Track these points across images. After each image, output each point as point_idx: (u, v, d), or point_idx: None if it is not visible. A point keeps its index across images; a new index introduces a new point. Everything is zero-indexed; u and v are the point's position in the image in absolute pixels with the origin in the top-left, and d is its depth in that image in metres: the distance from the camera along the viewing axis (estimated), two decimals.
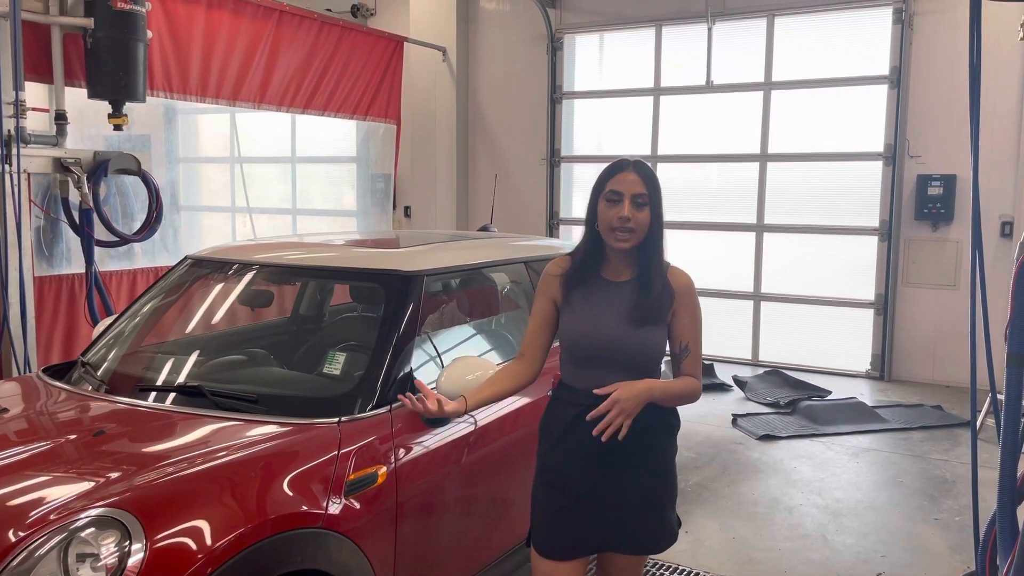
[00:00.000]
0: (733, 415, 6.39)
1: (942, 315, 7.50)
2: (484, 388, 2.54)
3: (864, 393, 7.19)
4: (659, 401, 2.38)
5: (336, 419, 2.65)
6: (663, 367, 2.51)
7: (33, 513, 2.10)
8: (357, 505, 2.51)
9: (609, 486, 2.40)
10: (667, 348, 2.49)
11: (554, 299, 2.51)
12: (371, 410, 2.73)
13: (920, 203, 7.44)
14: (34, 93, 5.12)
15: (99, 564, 1.99)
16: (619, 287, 2.44)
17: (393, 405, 2.79)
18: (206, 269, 3.61)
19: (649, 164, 2.45)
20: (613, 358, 2.38)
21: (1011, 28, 6.84)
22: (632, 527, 2.42)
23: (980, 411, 5.89)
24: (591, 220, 2.45)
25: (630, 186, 2.37)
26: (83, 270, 5.37)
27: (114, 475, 2.28)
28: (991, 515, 2.48)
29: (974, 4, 2.28)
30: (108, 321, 3.67)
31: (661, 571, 3.93)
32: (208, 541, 2.10)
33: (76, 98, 5.29)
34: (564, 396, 2.48)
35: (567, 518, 2.44)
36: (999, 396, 2.55)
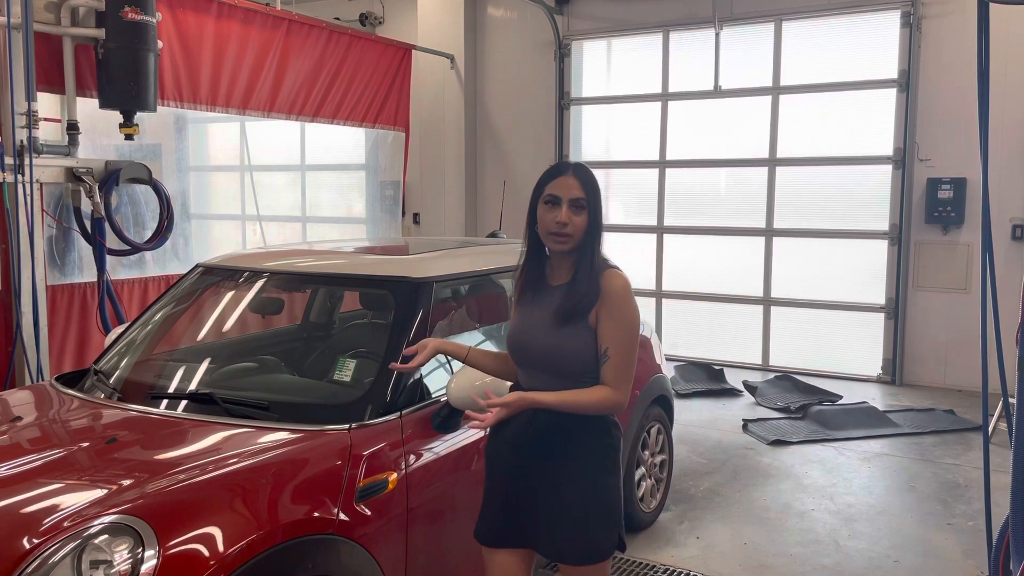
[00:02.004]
0: (744, 420, 6.37)
1: (953, 319, 7.46)
2: (488, 357, 2.63)
3: (875, 398, 7.16)
4: (552, 407, 2.33)
5: (347, 426, 2.66)
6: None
7: (47, 520, 2.12)
8: (368, 511, 2.52)
9: (529, 486, 2.42)
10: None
11: (515, 303, 2.57)
12: (381, 416, 2.74)
13: (930, 206, 7.41)
14: (46, 104, 5.17)
15: (112, 571, 2.00)
16: (554, 291, 2.44)
17: (403, 411, 2.80)
18: (217, 277, 3.63)
19: (589, 168, 2.45)
20: (538, 360, 2.41)
21: (1020, 30, 6.83)
22: (549, 532, 2.41)
23: (992, 415, 5.86)
24: (532, 223, 2.45)
25: (568, 190, 2.36)
26: (95, 279, 5.40)
27: (127, 482, 2.29)
28: (1004, 519, 2.47)
29: (982, 7, 2.28)
30: (120, 329, 3.70)
31: None
32: (220, 548, 2.11)
33: (88, 108, 5.34)
34: (512, 390, 2.50)
35: (489, 505, 2.52)
36: (1011, 400, 2.54)
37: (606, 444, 2.44)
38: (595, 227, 2.39)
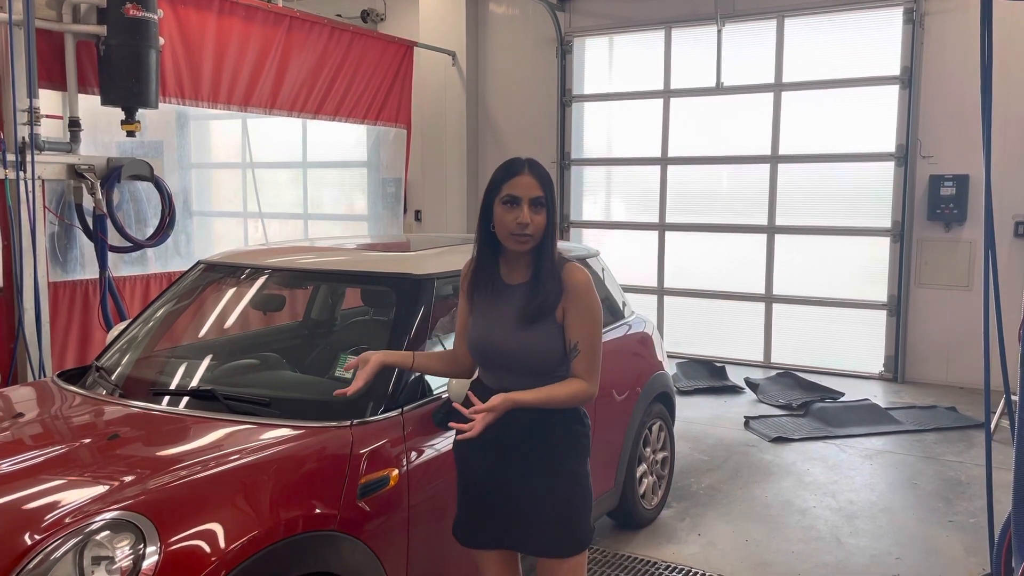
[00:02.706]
0: (745, 417, 6.37)
1: (955, 316, 7.46)
2: (434, 359, 2.66)
3: (877, 395, 7.15)
4: (533, 405, 2.32)
5: (348, 422, 2.66)
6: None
7: (48, 516, 2.12)
8: (369, 508, 2.52)
9: (504, 482, 2.42)
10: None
11: (468, 301, 2.54)
12: (383, 413, 2.74)
13: (932, 203, 7.40)
14: (48, 100, 5.17)
15: (114, 567, 2.00)
16: (514, 290, 2.42)
17: (405, 408, 2.80)
18: (219, 274, 3.63)
19: (542, 163, 2.44)
20: (509, 361, 2.40)
21: (1022, 27, 6.81)
22: (525, 527, 2.41)
23: (994, 412, 5.85)
24: (485, 220, 2.41)
25: (527, 189, 2.33)
26: (97, 275, 5.41)
27: (128, 478, 2.30)
28: (1006, 517, 2.47)
29: (985, 3, 2.27)
30: (122, 326, 3.70)
31: (674, 574, 3.92)
32: (222, 544, 2.11)
33: (89, 105, 5.34)
34: (474, 390, 2.48)
35: (470, 510, 2.52)
36: (1013, 397, 2.53)
37: (579, 432, 2.45)
38: (552, 224, 2.38)
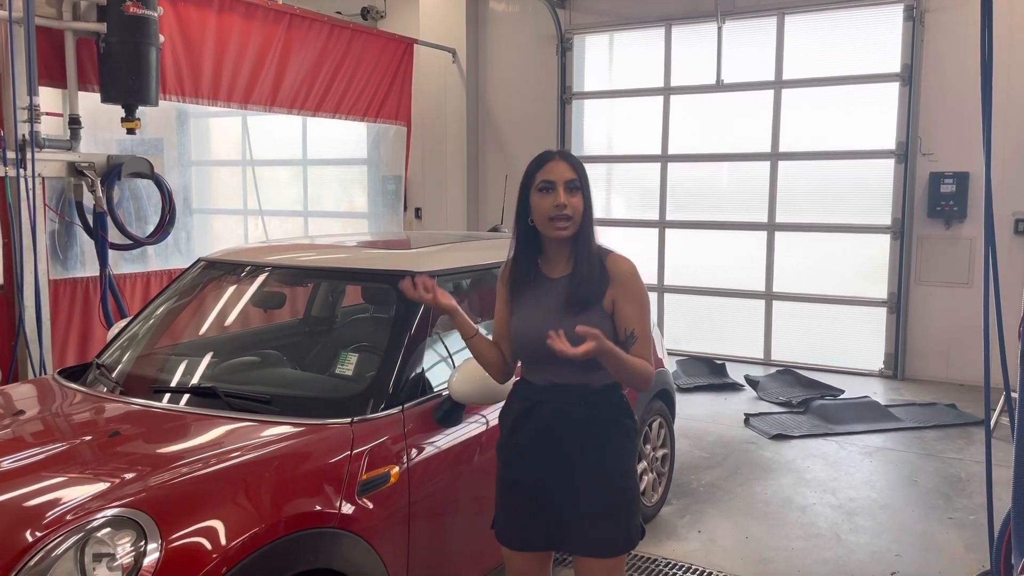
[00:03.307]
0: (745, 415, 6.37)
1: (955, 313, 7.46)
2: (486, 344, 2.55)
3: (877, 392, 7.16)
4: (608, 362, 2.25)
5: (349, 419, 2.66)
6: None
7: (50, 513, 2.12)
8: (370, 505, 2.52)
9: (558, 484, 2.39)
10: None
11: (507, 301, 2.52)
12: (383, 410, 2.75)
13: (933, 200, 7.40)
14: (48, 98, 5.16)
15: (115, 564, 2.00)
16: (556, 283, 2.42)
17: (405, 405, 2.81)
18: (219, 271, 3.64)
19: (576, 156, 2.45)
20: (556, 354, 2.34)
21: (1022, 24, 6.80)
22: (582, 528, 2.38)
23: (994, 409, 5.85)
24: (523, 215, 2.43)
25: (561, 173, 2.37)
26: (97, 273, 5.41)
27: (129, 476, 2.30)
28: (1006, 514, 2.48)
29: (985, 0, 2.27)
30: (122, 323, 3.70)
31: (674, 571, 3.92)
32: (223, 541, 2.11)
33: (90, 102, 5.33)
34: (519, 389, 2.49)
35: (519, 512, 2.45)
36: (1013, 394, 2.54)
37: (630, 427, 2.46)
38: (588, 210, 2.40)
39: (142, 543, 2.03)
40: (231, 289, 3.65)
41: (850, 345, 7.98)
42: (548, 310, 2.38)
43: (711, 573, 3.91)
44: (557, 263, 2.44)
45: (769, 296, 8.34)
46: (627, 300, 2.38)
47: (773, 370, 7.73)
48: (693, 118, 8.61)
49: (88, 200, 5.29)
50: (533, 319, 2.40)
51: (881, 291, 7.83)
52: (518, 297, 2.47)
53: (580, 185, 2.38)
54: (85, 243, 5.40)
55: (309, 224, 8.60)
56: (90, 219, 5.31)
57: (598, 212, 2.64)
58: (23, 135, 4.82)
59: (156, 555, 2.02)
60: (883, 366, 7.83)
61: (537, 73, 9.26)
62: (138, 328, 3.51)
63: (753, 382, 7.23)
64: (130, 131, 5.38)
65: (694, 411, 6.46)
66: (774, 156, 8.15)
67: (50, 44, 5.14)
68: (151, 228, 5.75)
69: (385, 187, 8.69)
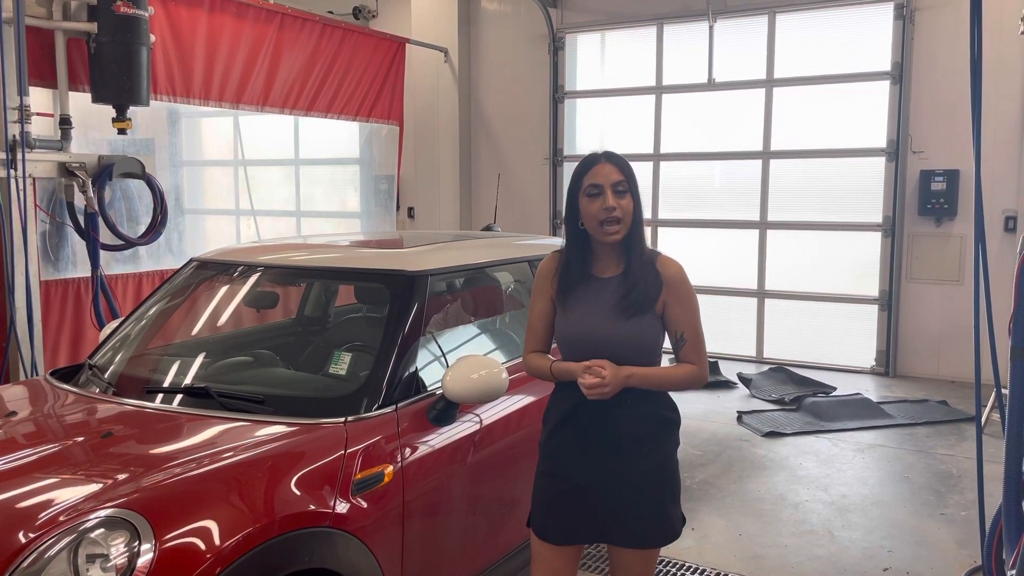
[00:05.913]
0: (738, 412, 6.39)
1: (946, 310, 7.49)
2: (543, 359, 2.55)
3: (869, 389, 7.18)
4: (640, 386, 2.36)
5: (342, 419, 2.66)
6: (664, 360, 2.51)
7: (43, 515, 2.12)
8: (364, 504, 2.52)
9: (602, 478, 2.40)
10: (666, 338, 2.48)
11: (551, 298, 2.52)
12: (377, 410, 2.75)
13: (923, 198, 7.43)
14: (39, 98, 5.14)
15: (109, 564, 2.00)
16: (607, 283, 2.44)
17: (399, 404, 2.81)
18: (211, 271, 3.63)
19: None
20: (606, 354, 2.38)
21: (1012, 23, 6.83)
22: (627, 520, 2.41)
23: (985, 406, 5.89)
24: (573, 219, 2.45)
25: (608, 176, 2.39)
26: (89, 274, 5.39)
27: (122, 476, 2.29)
28: (997, 509, 2.49)
29: None
30: (114, 324, 3.69)
31: (668, 568, 3.93)
32: (217, 541, 2.11)
33: (80, 103, 5.32)
34: (564, 389, 2.49)
35: (562, 505, 2.46)
36: (1003, 391, 2.55)
37: (674, 421, 2.50)
38: (638, 211, 2.43)
39: (136, 544, 2.03)
40: (224, 289, 3.64)
41: (842, 342, 8.01)
42: (601, 311, 2.40)
43: (704, 570, 3.92)
44: (608, 263, 2.46)
45: (761, 294, 8.37)
46: (677, 303, 2.42)
47: (766, 368, 7.75)
48: (685, 117, 8.63)
49: (79, 201, 5.27)
50: (587, 320, 2.42)
51: (872, 288, 7.86)
52: (568, 296, 2.47)
53: (628, 186, 2.40)
54: (76, 244, 5.38)
55: (302, 224, 8.57)
56: (81, 220, 5.29)
57: None
58: (13, 136, 4.80)
59: (150, 555, 2.02)
60: (875, 363, 7.86)
61: (529, 72, 9.27)
62: (130, 329, 3.50)
63: (746, 380, 7.25)
64: (121, 131, 5.37)
65: (687, 409, 6.43)
66: (766, 154, 8.18)
67: (40, 44, 5.12)
68: (143, 228, 5.73)
69: (378, 187, 8.68)
